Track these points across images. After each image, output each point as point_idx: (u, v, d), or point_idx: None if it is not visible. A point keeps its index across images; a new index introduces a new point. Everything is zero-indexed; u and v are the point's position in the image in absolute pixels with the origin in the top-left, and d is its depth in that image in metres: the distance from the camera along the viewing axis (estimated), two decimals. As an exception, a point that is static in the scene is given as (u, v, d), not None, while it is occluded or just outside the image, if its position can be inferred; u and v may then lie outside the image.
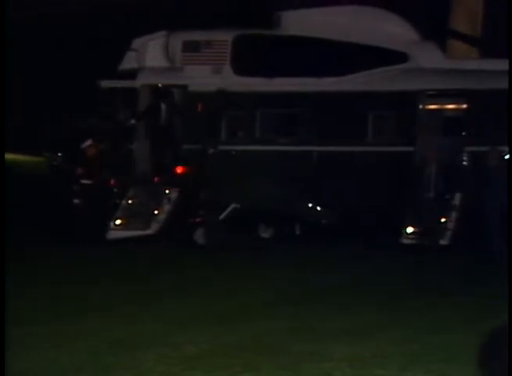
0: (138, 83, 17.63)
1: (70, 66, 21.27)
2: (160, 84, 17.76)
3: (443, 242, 15.37)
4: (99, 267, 13.89)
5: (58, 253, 15.05)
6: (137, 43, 17.93)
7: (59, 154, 19.18)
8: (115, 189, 17.20)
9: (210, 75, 17.31)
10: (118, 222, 16.75)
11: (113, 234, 16.62)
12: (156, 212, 16.83)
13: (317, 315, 9.99)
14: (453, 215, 15.64)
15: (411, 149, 16.17)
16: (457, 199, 15.75)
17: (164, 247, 16.12)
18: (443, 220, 15.48)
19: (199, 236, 16.58)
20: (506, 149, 15.32)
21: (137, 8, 21.51)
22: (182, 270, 13.72)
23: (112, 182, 17.10)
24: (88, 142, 16.98)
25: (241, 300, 10.94)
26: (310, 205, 16.90)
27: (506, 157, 15.39)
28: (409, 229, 15.65)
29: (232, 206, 17.06)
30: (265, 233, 17.60)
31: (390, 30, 16.88)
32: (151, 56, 17.72)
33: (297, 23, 17.18)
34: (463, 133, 16.39)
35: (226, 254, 15.32)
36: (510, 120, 14.66)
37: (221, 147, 17.00)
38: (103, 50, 17.77)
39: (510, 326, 2.31)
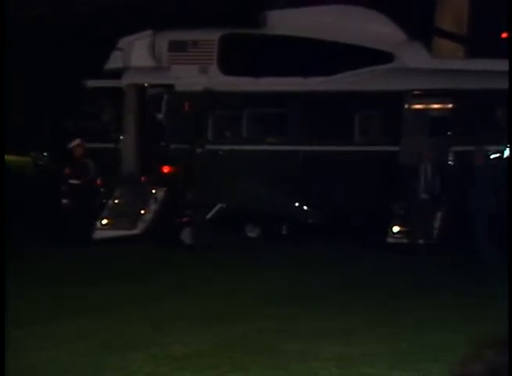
0: (123, 83, 17.59)
1: (69, 66, 21.13)
2: (146, 84, 17.73)
3: (430, 241, 15.42)
4: (94, 267, 13.83)
5: (49, 253, 14.98)
6: (123, 42, 17.88)
7: (45, 154, 19.10)
8: (102, 189, 17.16)
9: (196, 75, 17.29)
10: (105, 221, 16.71)
11: (99, 234, 16.57)
12: (142, 212, 16.80)
13: (306, 315, 10.02)
14: (438, 214, 15.70)
15: (397, 148, 16.22)
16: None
17: (153, 247, 16.09)
18: (430, 219, 15.53)
19: (186, 235, 16.56)
20: (492, 148, 15.41)
21: (137, 8, 21.46)
22: (173, 270, 13.72)
23: (98, 181, 17.05)
24: (76, 142, 16.93)
25: (230, 300, 10.95)
26: (297, 205, 16.93)
27: (492, 156, 15.48)
28: (396, 229, 15.70)
29: (219, 205, 17.05)
30: (252, 233, 17.60)
31: (376, 29, 16.92)
32: (137, 55, 17.67)
33: (283, 22, 17.19)
34: (449, 133, 16.47)
35: (215, 254, 15.32)
36: (510, 120, 14.73)
37: (208, 147, 17.00)
38: (103, 50, 17.70)
39: (509, 326, 2.31)
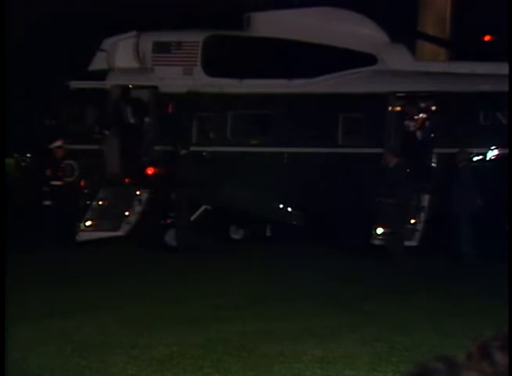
0: (108, 84, 17.54)
1: (53, 66, 20.96)
2: (130, 85, 17.70)
3: (412, 243, 15.45)
4: (75, 269, 13.77)
5: (31, 255, 14.90)
6: (107, 43, 17.84)
7: (28, 155, 19.01)
8: (85, 190, 17.10)
9: (181, 76, 17.28)
10: (88, 223, 16.66)
11: (83, 236, 16.52)
12: (126, 213, 16.76)
13: (288, 316, 10.03)
14: (422, 216, 15.74)
15: (380, 150, 16.26)
16: (425, 200, 15.86)
17: (137, 248, 16.06)
18: (412, 221, 15.57)
19: (170, 237, 16.54)
20: (474, 151, 15.50)
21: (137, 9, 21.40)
22: (157, 271, 13.70)
23: (82, 183, 16.99)
24: (57, 143, 16.85)
25: (213, 302, 10.94)
26: (281, 207, 16.94)
27: (475, 158, 15.56)
28: (379, 230, 15.71)
29: (203, 207, 17.04)
30: (236, 235, 17.61)
31: (359, 32, 16.96)
32: (121, 56, 17.64)
33: (267, 24, 17.22)
34: (432, 135, 16.52)
35: (199, 255, 15.32)
36: (510, 120, 14.81)
37: (192, 148, 16.98)
38: (86, 51, 17.63)
39: (510, 327, 2.33)
